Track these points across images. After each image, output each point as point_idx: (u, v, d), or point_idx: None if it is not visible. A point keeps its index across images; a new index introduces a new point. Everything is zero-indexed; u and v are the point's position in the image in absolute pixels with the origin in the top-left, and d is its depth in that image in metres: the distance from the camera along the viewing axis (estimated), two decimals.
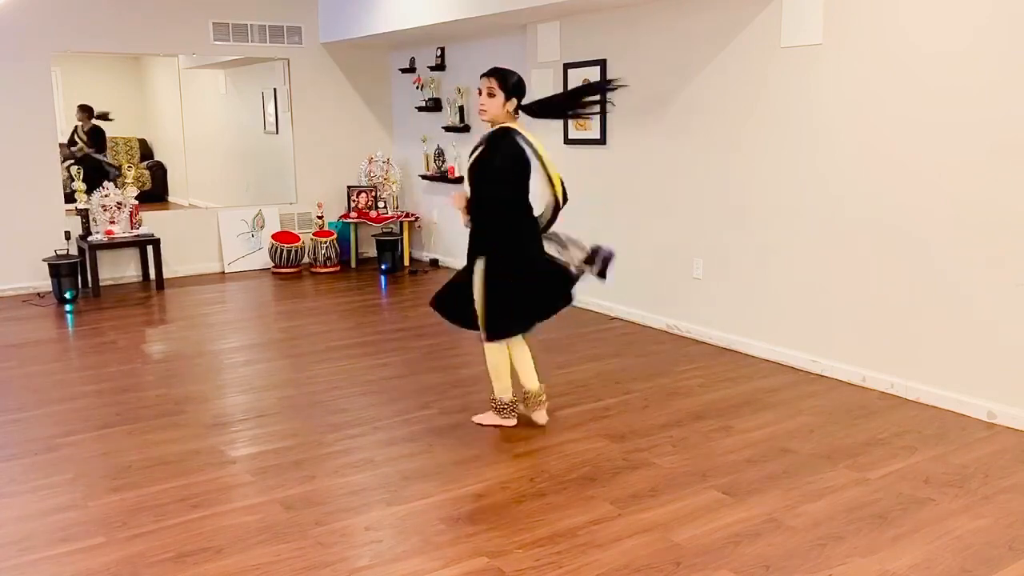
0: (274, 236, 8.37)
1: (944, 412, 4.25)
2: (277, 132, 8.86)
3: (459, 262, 8.24)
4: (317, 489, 3.44)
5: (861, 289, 4.65)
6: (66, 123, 8.09)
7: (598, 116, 6.22)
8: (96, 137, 8.49)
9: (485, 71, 3.91)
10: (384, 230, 8.53)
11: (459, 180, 8.10)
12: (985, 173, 4.05)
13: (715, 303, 5.55)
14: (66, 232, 7.47)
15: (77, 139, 8.33)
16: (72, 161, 8.10)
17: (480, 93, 3.88)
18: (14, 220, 7.32)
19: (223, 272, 8.33)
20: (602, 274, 3.92)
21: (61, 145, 7.74)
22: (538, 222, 3.94)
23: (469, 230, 3.91)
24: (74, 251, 7.49)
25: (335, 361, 5.25)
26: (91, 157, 8.35)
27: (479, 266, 3.88)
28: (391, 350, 5.49)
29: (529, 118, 3.98)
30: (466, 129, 7.94)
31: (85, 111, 8.38)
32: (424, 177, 8.55)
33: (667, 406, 4.39)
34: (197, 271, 8.26)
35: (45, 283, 7.35)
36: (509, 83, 3.83)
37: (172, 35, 7.83)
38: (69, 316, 6.57)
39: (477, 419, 4.17)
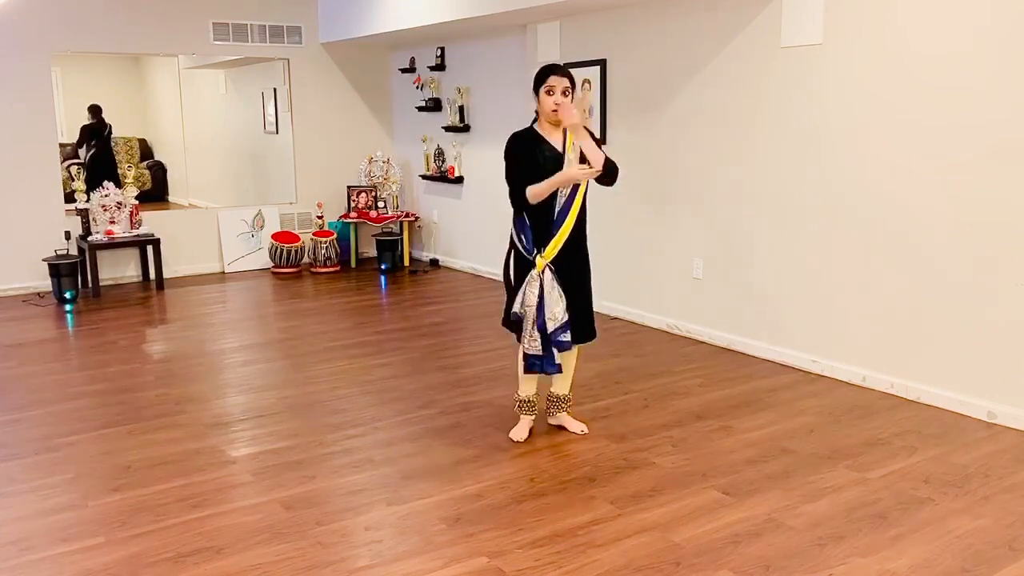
0: (274, 236, 8.37)
1: (944, 412, 4.25)
2: (277, 132, 8.86)
3: (459, 262, 8.29)
4: (317, 489, 3.44)
5: (861, 289, 4.65)
6: (66, 123, 8.09)
7: (598, 115, 6.23)
8: (108, 134, 8.58)
9: (552, 70, 3.69)
10: (384, 230, 8.53)
11: (459, 180, 8.12)
12: (985, 173, 4.05)
13: (715, 303, 5.55)
14: (66, 232, 7.48)
15: (92, 137, 8.42)
16: (88, 156, 8.22)
17: (550, 93, 3.66)
18: (14, 220, 7.32)
19: (223, 272, 8.33)
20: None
21: (62, 145, 7.75)
22: None
23: (572, 228, 3.76)
24: (74, 251, 7.49)
25: (335, 361, 5.25)
26: (107, 153, 8.43)
27: (589, 263, 3.91)
28: (391, 350, 5.49)
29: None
30: (466, 129, 7.94)
31: (95, 111, 8.44)
32: (424, 177, 8.55)
33: (667, 406, 4.39)
34: (197, 271, 8.26)
35: (45, 283, 7.35)
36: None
37: (172, 35, 7.83)
38: (69, 316, 6.57)
39: (566, 424, 4.07)
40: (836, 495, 3.34)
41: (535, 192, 3.69)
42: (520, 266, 3.83)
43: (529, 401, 3.97)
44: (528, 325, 3.78)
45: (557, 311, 3.74)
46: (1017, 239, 3.96)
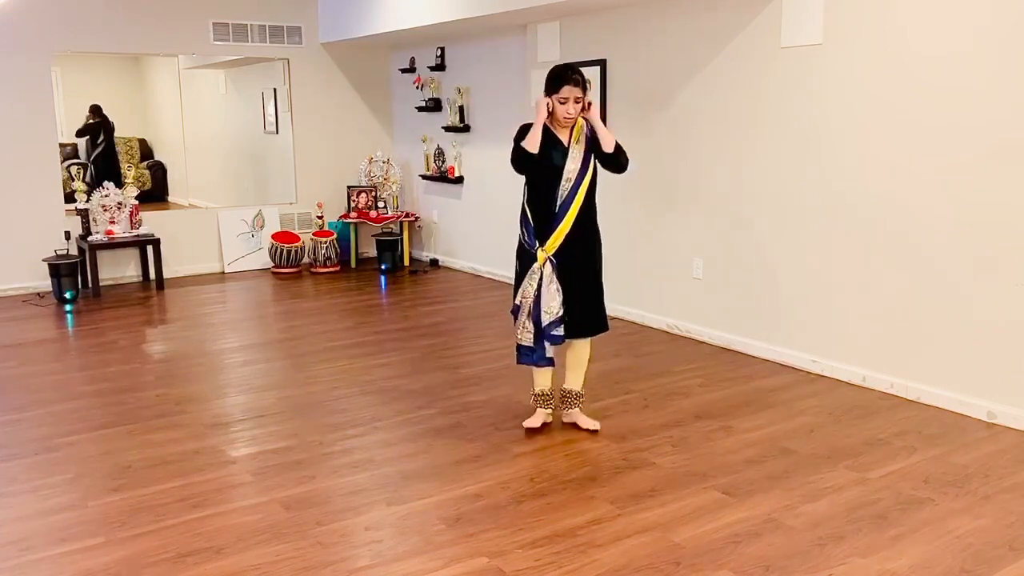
0: (274, 236, 8.37)
1: (944, 412, 4.25)
2: (277, 132, 8.86)
3: (459, 262, 8.29)
4: (317, 489, 3.44)
5: (861, 289, 4.65)
6: (66, 123, 8.09)
7: (598, 115, 6.22)
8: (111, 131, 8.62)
9: (564, 78, 3.73)
10: (384, 230, 8.53)
11: (459, 180, 8.12)
12: (985, 173, 4.05)
13: (715, 303, 5.55)
14: (66, 232, 7.47)
15: (98, 136, 8.46)
16: (95, 155, 8.28)
17: (564, 102, 3.72)
18: (14, 220, 7.32)
19: (223, 272, 8.33)
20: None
21: (62, 145, 7.75)
22: None
23: (575, 222, 3.77)
24: (74, 251, 7.49)
25: (335, 361, 5.25)
26: (111, 151, 8.48)
27: (598, 255, 3.93)
28: (391, 350, 5.49)
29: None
30: (466, 129, 7.94)
31: (96, 111, 8.46)
32: (424, 177, 8.55)
33: (667, 406, 4.39)
34: (197, 271, 8.26)
35: (45, 283, 7.35)
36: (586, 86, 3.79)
37: (172, 35, 7.83)
38: (69, 316, 6.57)
39: (579, 421, 4.08)
40: (836, 495, 3.34)
41: (528, 142, 3.74)
42: (524, 259, 3.91)
43: (543, 395, 4.04)
44: (523, 316, 3.87)
45: (553, 305, 3.81)
46: (1017, 239, 3.96)
